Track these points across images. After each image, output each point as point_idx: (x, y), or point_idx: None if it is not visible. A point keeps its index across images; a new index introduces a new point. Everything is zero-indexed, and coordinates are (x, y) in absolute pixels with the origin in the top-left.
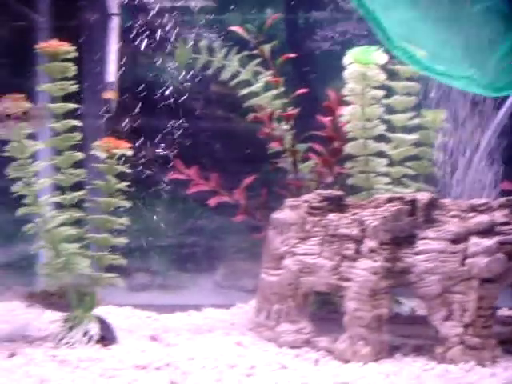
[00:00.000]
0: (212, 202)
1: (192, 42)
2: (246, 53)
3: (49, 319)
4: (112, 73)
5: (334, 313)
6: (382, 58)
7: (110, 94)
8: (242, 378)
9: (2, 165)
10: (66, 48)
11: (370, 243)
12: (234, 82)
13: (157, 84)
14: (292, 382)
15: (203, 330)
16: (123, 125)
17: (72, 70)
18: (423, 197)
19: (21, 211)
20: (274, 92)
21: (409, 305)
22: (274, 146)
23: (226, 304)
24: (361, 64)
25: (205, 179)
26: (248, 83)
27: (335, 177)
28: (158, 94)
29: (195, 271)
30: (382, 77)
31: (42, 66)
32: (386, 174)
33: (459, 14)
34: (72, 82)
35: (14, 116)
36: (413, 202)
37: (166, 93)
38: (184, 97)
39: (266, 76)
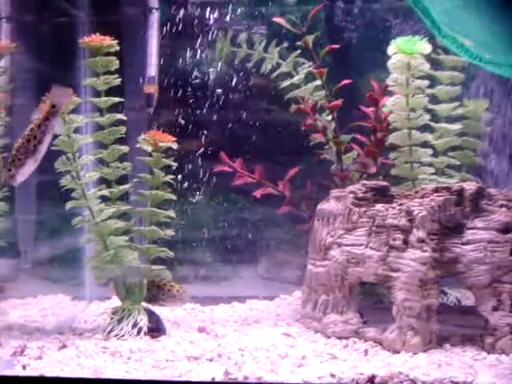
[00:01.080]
0: (257, 193)
1: (232, 35)
2: (286, 45)
3: (94, 311)
4: (153, 67)
5: (378, 303)
6: (426, 47)
7: (152, 88)
8: (294, 368)
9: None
10: (110, 42)
11: (418, 233)
12: (274, 74)
13: (198, 78)
14: (345, 372)
15: (249, 321)
16: (165, 118)
17: (115, 63)
18: (470, 186)
19: (69, 205)
20: (317, 83)
21: (454, 295)
22: (317, 137)
23: (270, 295)
24: (405, 54)
25: (249, 171)
26: (289, 75)
27: (378, 167)
28: (199, 88)
29: (238, 263)
30: (426, 67)
31: (85, 61)
32: (430, 164)
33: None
34: (115, 75)
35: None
36: (460, 192)
37: (207, 86)
38: (225, 89)
39: (307, 67)
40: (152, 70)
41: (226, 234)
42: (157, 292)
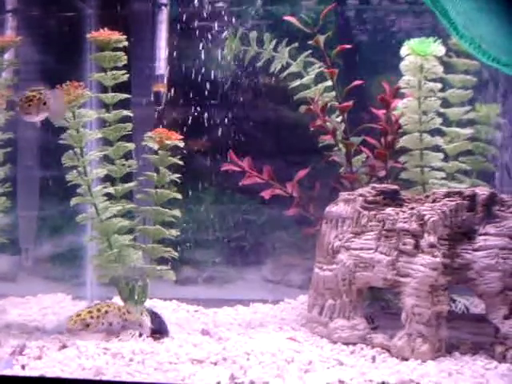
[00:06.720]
0: (266, 194)
1: (241, 34)
2: (296, 44)
3: None
4: (161, 63)
5: (386, 308)
6: (439, 49)
7: (160, 86)
8: (301, 373)
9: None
10: (118, 37)
11: (429, 238)
12: (284, 74)
13: (206, 76)
14: (353, 379)
15: (254, 324)
16: (173, 116)
17: (123, 59)
18: (483, 192)
19: (74, 201)
20: (327, 84)
21: (462, 302)
22: (326, 139)
23: (274, 299)
24: (418, 55)
25: (257, 171)
26: (298, 75)
27: (388, 170)
28: (206, 86)
29: (242, 265)
30: (439, 69)
31: (93, 55)
32: (440, 169)
33: None
34: (123, 71)
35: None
36: (472, 197)
37: (215, 85)
38: (233, 88)
39: (317, 68)
40: (161, 67)
41: (230, 236)
42: None
